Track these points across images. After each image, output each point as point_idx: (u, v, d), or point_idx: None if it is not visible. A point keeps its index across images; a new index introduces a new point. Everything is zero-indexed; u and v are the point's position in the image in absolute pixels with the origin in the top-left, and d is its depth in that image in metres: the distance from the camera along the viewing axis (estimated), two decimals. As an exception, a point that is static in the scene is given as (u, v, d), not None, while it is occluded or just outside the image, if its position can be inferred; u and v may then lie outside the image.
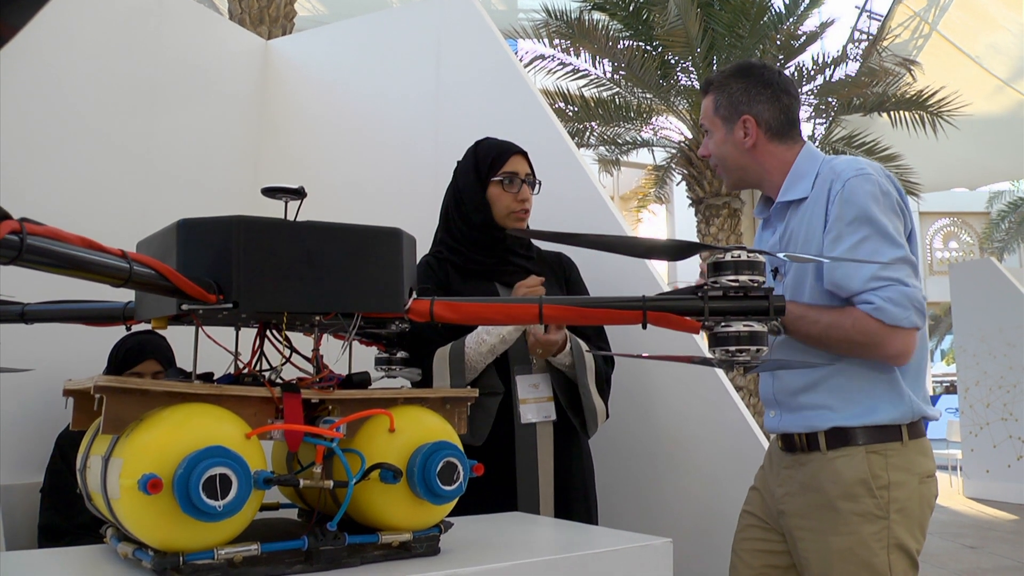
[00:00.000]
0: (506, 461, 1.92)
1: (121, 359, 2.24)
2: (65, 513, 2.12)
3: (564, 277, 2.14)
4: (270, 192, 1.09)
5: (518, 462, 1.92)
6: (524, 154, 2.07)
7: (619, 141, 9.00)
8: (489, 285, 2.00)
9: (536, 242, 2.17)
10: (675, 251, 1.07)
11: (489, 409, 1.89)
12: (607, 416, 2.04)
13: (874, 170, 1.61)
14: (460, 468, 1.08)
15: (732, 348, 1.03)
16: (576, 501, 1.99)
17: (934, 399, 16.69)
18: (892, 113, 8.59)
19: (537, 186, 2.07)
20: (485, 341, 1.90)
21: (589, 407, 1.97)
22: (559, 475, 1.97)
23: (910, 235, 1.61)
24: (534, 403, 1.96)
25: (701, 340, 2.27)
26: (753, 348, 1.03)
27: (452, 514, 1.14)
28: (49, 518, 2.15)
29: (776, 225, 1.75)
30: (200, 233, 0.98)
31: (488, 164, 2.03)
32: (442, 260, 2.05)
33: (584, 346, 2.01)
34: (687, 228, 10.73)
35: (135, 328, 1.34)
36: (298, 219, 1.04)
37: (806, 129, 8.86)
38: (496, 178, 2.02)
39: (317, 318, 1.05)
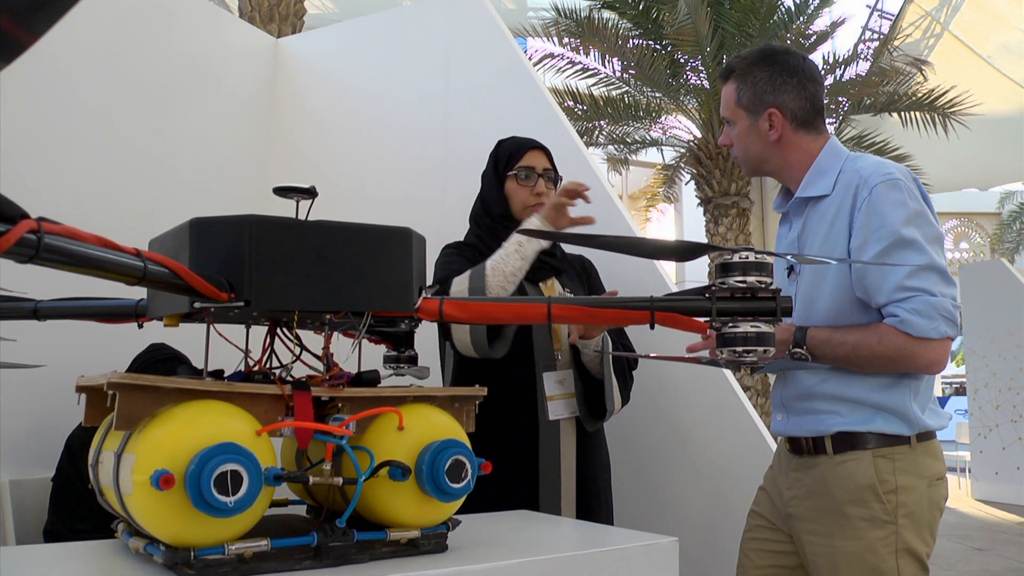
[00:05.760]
0: (529, 458, 1.91)
1: None
2: (67, 519, 2.08)
3: (585, 277, 2.15)
4: (282, 191, 1.10)
5: (541, 459, 1.91)
6: (543, 150, 2.08)
7: (628, 140, 8.99)
8: None
9: None
10: (683, 252, 1.08)
11: (506, 335, 1.86)
12: (624, 402, 2.01)
13: (902, 174, 1.56)
14: (468, 466, 1.09)
15: (739, 349, 1.04)
16: (598, 496, 1.99)
17: (943, 400, 16.62)
18: (903, 113, 8.54)
19: (559, 181, 2.07)
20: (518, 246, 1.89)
21: (609, 380, 1.94)
22: (581, 472, 1.97)
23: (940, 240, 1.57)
24: (561, 399, 1.95)
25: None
26: (760, 349, 1.04)
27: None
28: (52, 523, 2.11)
29: (794, 220, 1.71)
30: (212, 232, 0.99)
31: (505, 159, 2.06)
32: (473, 247, 2.04)
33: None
34: (696, 227, 10.69)
35: (149, 327, 1.35)
36: (309, 218, 1.05)
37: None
38: (512, 172, 2.04)
39: (328, 316, 1.06)
